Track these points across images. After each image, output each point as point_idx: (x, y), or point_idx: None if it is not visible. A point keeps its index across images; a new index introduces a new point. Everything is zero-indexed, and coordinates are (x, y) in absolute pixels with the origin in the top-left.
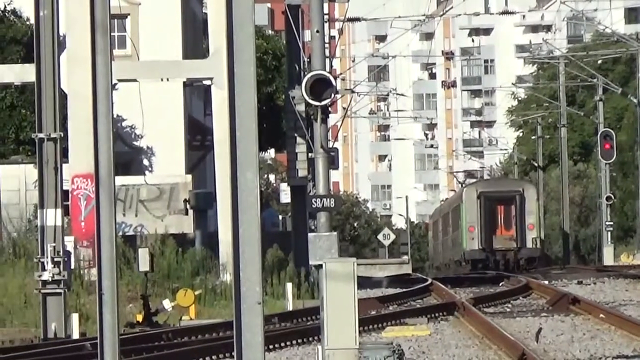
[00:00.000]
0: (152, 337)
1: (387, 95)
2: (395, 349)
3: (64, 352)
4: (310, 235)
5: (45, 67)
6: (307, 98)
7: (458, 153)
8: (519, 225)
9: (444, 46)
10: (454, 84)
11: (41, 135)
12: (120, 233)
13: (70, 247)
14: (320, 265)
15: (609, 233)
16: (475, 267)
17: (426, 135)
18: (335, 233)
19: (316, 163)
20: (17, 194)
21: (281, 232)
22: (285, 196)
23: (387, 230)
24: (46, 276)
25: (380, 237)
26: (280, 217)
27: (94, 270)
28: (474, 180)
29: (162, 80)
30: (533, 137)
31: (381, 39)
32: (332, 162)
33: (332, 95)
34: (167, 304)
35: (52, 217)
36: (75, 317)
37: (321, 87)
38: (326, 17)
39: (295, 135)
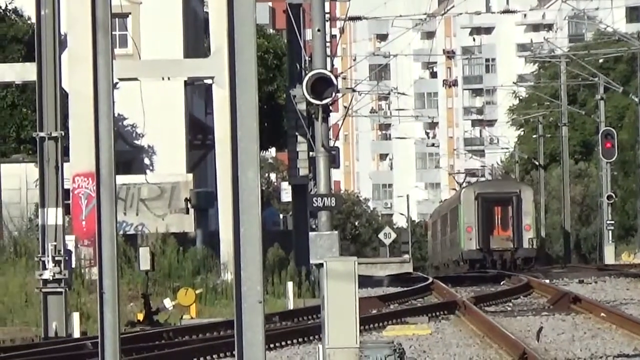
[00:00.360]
0: (152, 336)
1: (388, 94)
2: (396, 348)
3: (64, 351)
4: (311, 234)
5: (46, 66)
6: (308, 97)
7: (459, 152)
8: (516, 226)
9: (445, 45)
10: (455, 83)
11: (42, 134)
12: (121, 232)
13: (71, 246)
14: (321, 264)
15: (610, 232)
16: (472, 266)
17: (427, 134)
18: (336, 232)
19: (317, 162)
20: (18, 192)
21: (282, 231)
22: (286, 195)
23: (388, 229)
24: (47, 275)
25: (381, 236)
26: (281, 216)
27: (95, 269)
28: (473, 180)
29: (163, 79)
30: (534, 136)
31: (382, 37)
32: (333, 161)
33: (333, 94)
34: (167, 303)
35: (53, 216)
36: (76, 316)
37: (322, 86)
38: (327, 16)
39: (296, 134)
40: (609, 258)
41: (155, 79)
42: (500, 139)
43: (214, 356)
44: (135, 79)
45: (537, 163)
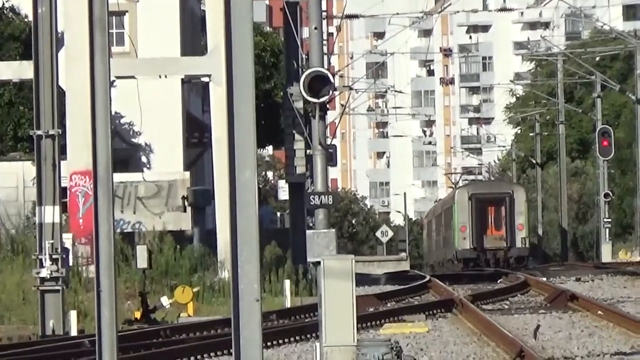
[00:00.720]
0: (150, 334)
1: (386, 92)
2: (393, 345)
3: (62, 349)
4: (308, 232)
5: (43, 64)
6: (305, 95)
7: (456, 150)
8: (509, 225)
9: (442, 43)
10: (452, 81)
11: (39, 132)
12: (119, 230)
13: (68, 244)
14: (318, 262)
15: (607, 230)
16: (466, 265)
17: (424, 132)
18: (333, 230)
19: (314, 160)
20: (15, 191)
21: (279, 229)
22: (284, 193)
23: (385, 227)
24: (44, 273)
25: (378, 234)
26: (278, 214)
27: (92, 267)
28: (471, 178)
29: (160, 77)
30: (531, 134)
31: (379, 35)
32: (330, 159)
33: (330, 92)
34: (165, 301)
35: (50, 214)
36: (73, 314)
37: (319, 84)
38: (324, 14)
39: (294, 132)
40: (606, 256)
41: (152, 76)
42: (497, 137)
43: (211, 354)
44: (132, 77)
45: (534, 161)
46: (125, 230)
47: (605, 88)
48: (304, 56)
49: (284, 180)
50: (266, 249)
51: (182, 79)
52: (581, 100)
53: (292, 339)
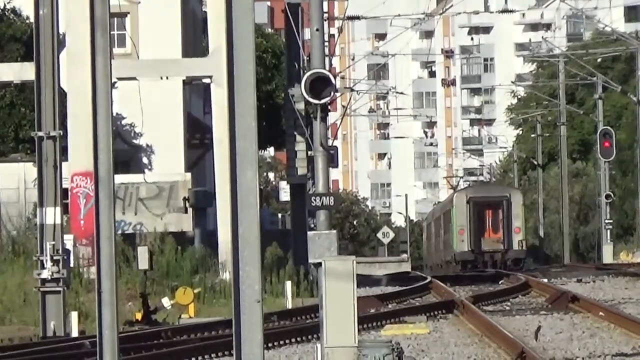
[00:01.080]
0: (151, 336)
1: (387, 93)
2: (394, 347)
3: (63, 351)
4: (309, 233)
5: (44, 65)
6: (306, 96)
7: (457, 151)
8: (506, 228)
9: (444, 44)
10: (453, 82)
11: (40, 133)
12: (120, 231)
13: (69, 245)
14: (320, 264)
15: (609, 231)
16: (464, 267)
17: (426, 133)
18: (334, 231)
19: (315, 161)
20: (16, 192)
21: (280, 230)
22: (285, 194)
23: (387, 228)
24: (45, 274)
25: (379, 235)
26: (279, 215)
27: (93, 269)
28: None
29: (161, 78)
30: (533, 135)
31: (381, 37)
32: (332, 160)
33: (332, 94)
34: (166, 302)
35: (52, 215)
36: (74, 315)
37: (321, 85)
38: (326, 15)
39: (295, 133)
40: (607, 257)
41: (154, 78)
42: (498, 138)
43: (212, 355)
44: (134, 79)
45: (535, 162)
46: (126, 232)
47: (606, 89)
48: (305, 57)
49: (285, 182)
50: (267, 250)
51: (184, 81)
52: (582, 101)
53: (293, 340)
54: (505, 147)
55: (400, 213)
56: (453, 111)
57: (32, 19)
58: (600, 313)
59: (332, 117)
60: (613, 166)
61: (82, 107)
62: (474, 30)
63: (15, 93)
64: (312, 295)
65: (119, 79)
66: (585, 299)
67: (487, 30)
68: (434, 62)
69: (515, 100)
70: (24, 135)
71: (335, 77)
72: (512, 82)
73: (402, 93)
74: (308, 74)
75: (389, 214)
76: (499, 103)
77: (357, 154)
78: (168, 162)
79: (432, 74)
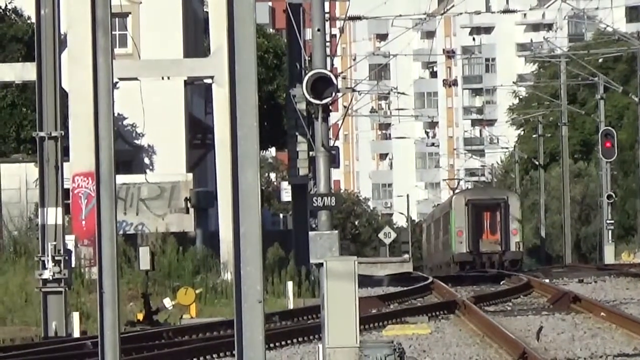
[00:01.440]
0: (152, 336)
1: (388, 93)
2: (395, 347)
3: (64, 351)
4: (311, 233)
5: (46, 65)
6: (308, 96)
7: (459, 152)
8: (504, 230)
9: (445, 45)
10: (455, 83)
11: (42, 133)
12: (121, 232)
13: (71, 245)
14: (321, 264)
15: (610, 231)
16: (463, 268)
17: (427, 133)
18: (336, 231)
19: (317, 161)
20: (17, 192)
21: (282, 231)
22: (286, 195)
23: (388, 228)
24: (47, 275)
25: (381, 235)
26: (281, 215)
27: (95, 269)
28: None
29: (163, 78)
30: (534, 136)
31: (382, 37)
32: (333, 160)
33: (333, 94)
34: (167, 302)
35: (53, 215)
36: (75, 315)
37: (322, 85)
38: (327, 15)
39: (296, 133)
40: (609, 257)
41: (155, 78)
42: (500, 138)
43: (213, 356)
44: (135, 79)
45: (537, 163)
46: (128, 232)
47: (608, 90)
48: (306, 58)
49: (286, 182)
50: (269, 250)
51: (185, 81)
52: (584, 101)
53: (294, 341)
54: (506, 148)
55: (402, 213)
56: (454, 111)
57: (33, 19)
58: (602, 313)
59: (334, 117)
60: (614, 166)
61: (83, 108)
62: (476, 30)
63: (16, 93)
64: (314, 296)
65: (121, 79)
66: (587, 300)
67: (488, 30)
68: (435, 62)
69: (516, 101)
70: (26, 136)
71: (336, 78)
72: (513, 82)
73: (403, 93)
74: (309, 74)
75: (391, 215)
76: (500, 103)
77: (358, 154)
78: (169, 163)
79: (433, 74)
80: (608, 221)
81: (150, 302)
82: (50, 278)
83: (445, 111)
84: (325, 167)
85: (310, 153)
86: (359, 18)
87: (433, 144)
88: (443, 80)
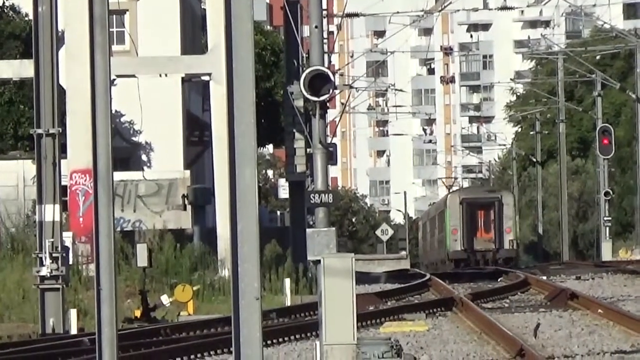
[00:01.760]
0: (150, 333)
1: (386, 90)
2: (393, 344)
3: (62, 348)
4: (308, 230)
5: (43, 62)
6: (305, 93)
7: (456, 148)
8: (498, 228)
9: (443, 42)
10: (452, 80)
11: (39, 130)
12: (119, 228)
13: (68, 242)
14: (319, 261)
15: (607, 228)
16: (457, 265)
17: (425, 130)
18: (333, 228)
19: (314, 158)
20: (15, 189)
21: (279, 228)
22: (284, 191)
23: (386, 225)
24: (44, 271)
25: (378, 232)
26: (278, 212)
27: (92, 266)
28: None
29: (160, 75)
30: (532, 133)
31: (380, 34)
32: (331, 157)
33: (331, 91)
34: (165, 299)
35: (51, 212)
36: (73, 312)
37: (320, 82)
38: (325, 12)
39: (294, 130)
40: (606, 254)
41: (153, 75)
42: (497, 135)
43: (211, 352)
44: (133, 76)
45: (534, 159)
46: (125, 229)
47: (605, 86)
48: (304, 55)
49: (284, 179)
50: (266, 247)
51: (183, 78)
52: (581, 98)
53: (292, 338)
54: (504, 145)
55: (399, 210)
56: (452, 108)
57: (31, 16)
58: (599, 310)
59: (331, 114)
60: (612, 163)
61: (81, 105)
62: (473, 27)
63: (14, 90)
64: (311, 293)
65: (118, 76)
66: (584, 297)
67: (486, 27)
68: (432, 59)
69: (514, 98)
70: (23, 133)
71: (334, 75)
72: (511, 79)
73: (401, 90)
74: (307, 71)
75: (388, 212)
76: (498, 100)
77: (356, 151)
78: (167, 160)
79: (431, 71)
80: (605, 218)
81: (148, 299)
82: (48, 275)
83: (443, 108)
84: (322, 164)
85: (308, 150)
86: (356, 15)
87: (430, 141)
88: (440, 77)
